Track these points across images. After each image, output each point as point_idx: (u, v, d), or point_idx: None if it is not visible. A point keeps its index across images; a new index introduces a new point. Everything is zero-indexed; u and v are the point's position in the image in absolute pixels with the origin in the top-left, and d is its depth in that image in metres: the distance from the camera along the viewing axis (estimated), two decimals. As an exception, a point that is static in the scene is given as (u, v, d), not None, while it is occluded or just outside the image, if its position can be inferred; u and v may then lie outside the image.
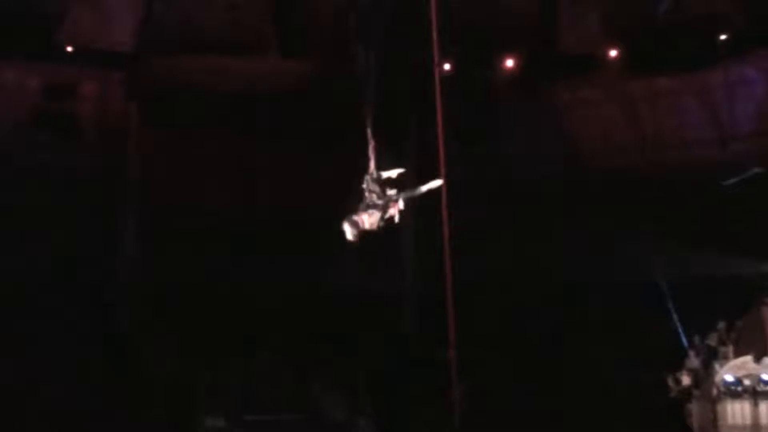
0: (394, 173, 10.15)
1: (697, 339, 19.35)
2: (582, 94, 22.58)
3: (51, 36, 20.32)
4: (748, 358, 18.11)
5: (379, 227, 9.81)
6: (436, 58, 13.20)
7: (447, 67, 20.18)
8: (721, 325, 19.07)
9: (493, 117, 22.02)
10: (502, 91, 22.03)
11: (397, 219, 9.92)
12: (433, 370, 16.82)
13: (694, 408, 18.70)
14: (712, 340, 18.99)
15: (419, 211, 11.13)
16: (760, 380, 17.75)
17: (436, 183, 10.66)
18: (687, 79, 22.02)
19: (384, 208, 9.90)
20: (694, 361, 19.06)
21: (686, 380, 18.92)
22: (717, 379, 18.07)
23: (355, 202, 9.96)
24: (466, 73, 21.26)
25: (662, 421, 18.88)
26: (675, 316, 20.00)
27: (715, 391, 18.03)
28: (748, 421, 17.72)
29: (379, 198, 9.96)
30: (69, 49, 20.53)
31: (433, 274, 14.70)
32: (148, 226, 20.75)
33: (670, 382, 19.14)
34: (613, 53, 21.78)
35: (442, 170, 12.56)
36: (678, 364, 19.15)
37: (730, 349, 18.63)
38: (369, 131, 10.30)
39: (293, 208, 21.03)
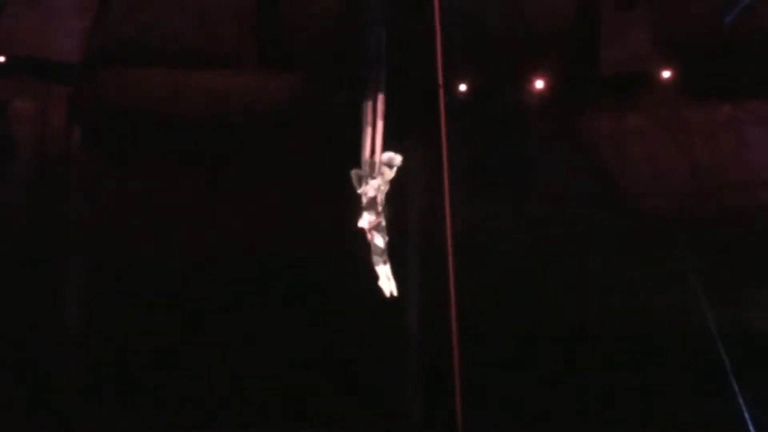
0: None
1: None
2: (627, 123, 20.86)
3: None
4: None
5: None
6: (440, 73, 13.13)
7: (463, 88, 19.56)
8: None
9: (520, 148, 20.47)
10: (531, 118, 20.49)
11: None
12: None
13: None
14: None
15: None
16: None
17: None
18: (754, 106, 20.34)
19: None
20: (763, 452, 17.53)
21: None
22: (790, 475, 16.57)
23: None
24: (487, 96, 19.92)
25: None
26: (737, 389, 18.16)
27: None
28: None
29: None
30: (1, 58, 18.93)
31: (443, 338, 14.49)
32: (97, 276, 19.01)
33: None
34: (665, 74, 20.09)
35: (447, 207, 12.96)
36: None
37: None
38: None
39: (273, 253, 19.60)
